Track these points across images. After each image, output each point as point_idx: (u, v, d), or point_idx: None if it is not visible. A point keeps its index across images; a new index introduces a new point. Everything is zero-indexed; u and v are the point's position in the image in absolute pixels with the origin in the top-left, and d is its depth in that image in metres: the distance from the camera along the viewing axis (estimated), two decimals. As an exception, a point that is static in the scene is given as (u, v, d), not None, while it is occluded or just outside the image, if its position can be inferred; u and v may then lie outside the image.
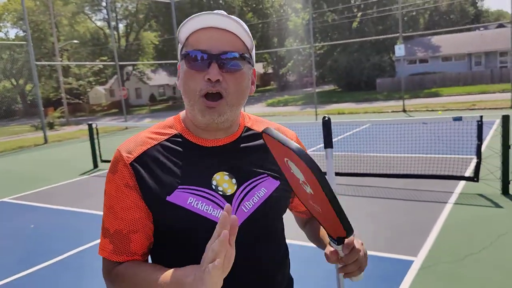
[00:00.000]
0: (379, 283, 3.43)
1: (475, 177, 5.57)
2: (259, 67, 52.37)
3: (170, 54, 40.03)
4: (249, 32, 1.02)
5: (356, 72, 32.41)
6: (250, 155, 1.09)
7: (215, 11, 0.97)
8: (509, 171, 5.38)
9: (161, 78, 46.07)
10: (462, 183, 5.92)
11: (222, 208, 1.00)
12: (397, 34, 16.64)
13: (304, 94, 33.68)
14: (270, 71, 51.87)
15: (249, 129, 1.13)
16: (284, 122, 7.66)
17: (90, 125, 9.50)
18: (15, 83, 40.54)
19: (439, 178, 5.91)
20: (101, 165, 9.49)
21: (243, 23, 1.00)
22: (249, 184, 1.05)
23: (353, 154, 8.30)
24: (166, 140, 1.06)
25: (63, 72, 32.97)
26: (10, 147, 15.08)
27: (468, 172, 6.42)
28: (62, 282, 3.86)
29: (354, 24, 37.86)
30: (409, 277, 3.46)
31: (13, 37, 43.06)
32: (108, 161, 9.37)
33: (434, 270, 3.54)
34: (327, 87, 40.41)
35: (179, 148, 1.05)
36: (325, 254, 1.00)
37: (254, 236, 1.04)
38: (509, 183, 5.38)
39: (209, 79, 0.96)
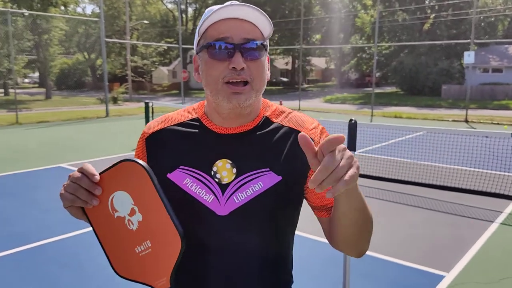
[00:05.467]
0: (403, 294, 3.35)
1: (529, 199, 5.24)
2: (321, 62, 51.70)
3: (234, 41, 40.49)
4: (269, 19, 1.01)
5: (421, 76, 31.12)
6: (258, 147, 1.07)
7: (232, 2, 0.98)
8: None
9: (222, 64, 46.75)
10: (515, 203, 5.58)
11: (215, 194, 1.02)
12: (468, 40, 15.78)
13: (363, 94, 32.92)
14: (332, 67, 51.05)
15: (267, 119, 1.11)
16: (326, 119, 7.46)
17: (146, 104, 9.90)
18: (87, 56, 42.92)
19: (489, 196, 5.61)
20: (153, 142, 9.87)
21: (261, 11, 1.00)
22: (247, 176, 1.04)
23: (401, 160, 8.06)
24: (184, 122, 1.12)
25: (131, 50, 34.40)
26: (75, 117, 16.08)
27: (524, 193, 6.03)
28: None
29: (426, 26, 36.33)
30: (436, 292, 3.35)
31: (90, 13, 45.45)
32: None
33: (464, 289, 3.40)
34: (389, 89, 39.22)
35: (193, 131, 1.09)
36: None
37: (241, 228, 1.03)
38: None
39: (233, 67, 0.97)
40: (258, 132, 1.08)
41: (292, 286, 1.18)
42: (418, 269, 3.75)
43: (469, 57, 14.58)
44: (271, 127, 1.09)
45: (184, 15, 41.03)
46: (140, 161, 0.88)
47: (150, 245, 0.88)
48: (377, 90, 34.22)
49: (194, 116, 1.12)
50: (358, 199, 0.93)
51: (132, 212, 0.87)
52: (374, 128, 10.92)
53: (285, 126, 1.10)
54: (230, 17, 0.98)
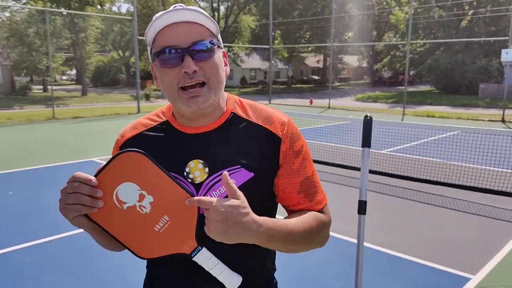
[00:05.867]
0: (426, 295, 3.29)
1: None
2: (353, 60, 51.01)
3: (265, 38, 40.62)
4: (210, 17, 1.03)
5: (457, 74, 30.18)
6: (228, 144, 1.08)
7: (174, 7, 0.99)
8: None
9: (254, 61, 46.93)
10: (550, 206, 5.36)
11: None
12: (507, 38, 15.20)
13: (396, 92, 32.27)
14: (364, 65, 50.27)
15: (235, 115, 1.11)
16: (356, 118, 7.36)
17: (176, 100, 10.09)
18: (121, 54, 43.95)
19: (522, 198, 5.41)
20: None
21: (202, 11, 1.01)
22: (220, 174, 1.04)
23: (431, 159, 7.87)
24: (154, 126, 1.14)
25: (164, 48, 35.02)
26: (109, 113, 16.53)
27: (561, 196, 5.77)
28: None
29: (463, 23, 35.22)
30: (460, 295, 3.28)
31: (125, 12, 46.50)
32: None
33: (490, 293, 3.30)
34: (423, 87, 38.30)
35: (163, 135, 1.11)
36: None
37: None
38: None
39: (185, 72, 0.98)
40: (227, 129, 1.09)
41: (275, 274, 1.22)
42: (443, 270, 3.67)
43: (507, 55, 14.05)
44: (240, 123, 1.11)
45: (216, 13, 41.38)
46: (131, 149, 0.90)
47: (168, 218, 0.90)
48: (411, 89, 33.47)
49: (163, 119, 1.14)
50: (272, 246, 0.99)
51: (141, 197, 0.89)
52: (404, 127, 10.71)
53: (255, 122, 1.11)
54: (174, 21, 0.99)
